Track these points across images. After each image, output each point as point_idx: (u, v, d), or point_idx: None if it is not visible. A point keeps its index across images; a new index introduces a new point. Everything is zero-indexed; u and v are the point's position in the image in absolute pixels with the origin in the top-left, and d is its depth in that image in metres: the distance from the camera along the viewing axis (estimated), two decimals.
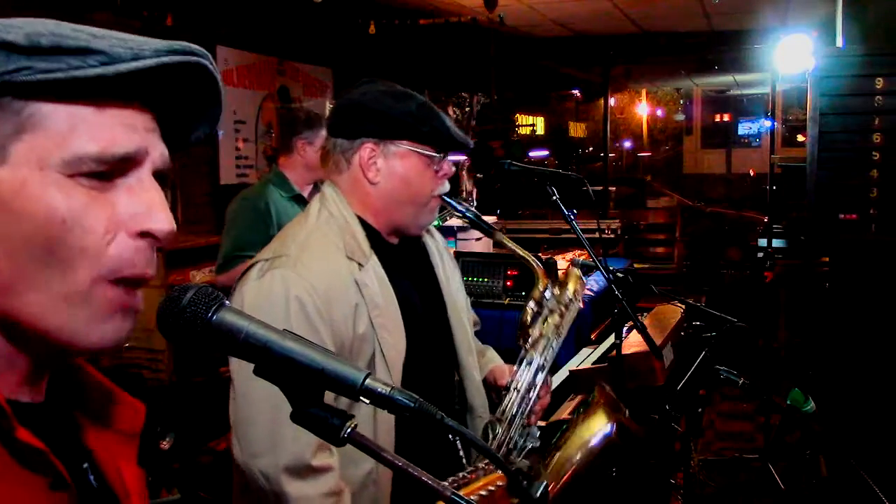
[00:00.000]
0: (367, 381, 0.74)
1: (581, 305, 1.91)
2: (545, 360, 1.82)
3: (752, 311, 6.31)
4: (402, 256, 1.75)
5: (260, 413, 1.50)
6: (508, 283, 3.64)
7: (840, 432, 3.53)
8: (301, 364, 0.74)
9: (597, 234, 3.48)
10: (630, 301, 2.24)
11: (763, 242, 6.02)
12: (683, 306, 2.77)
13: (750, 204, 10.04)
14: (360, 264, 1.62)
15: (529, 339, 1.83)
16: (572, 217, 2.29)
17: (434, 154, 1.68)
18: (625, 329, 2.31)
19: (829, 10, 4.75)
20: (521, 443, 1.74)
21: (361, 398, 0.75)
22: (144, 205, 0.72)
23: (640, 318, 2.31)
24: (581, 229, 2.27)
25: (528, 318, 1.87)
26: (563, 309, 1.86)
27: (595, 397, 1.94)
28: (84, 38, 0.69)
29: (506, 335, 3.48)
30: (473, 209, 1.97)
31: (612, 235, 6.76)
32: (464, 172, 7.40)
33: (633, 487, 2.30)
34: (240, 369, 1.54)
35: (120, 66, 0.69)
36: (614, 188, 10.22)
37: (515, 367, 1.84)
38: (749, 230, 8.28)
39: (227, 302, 0.76)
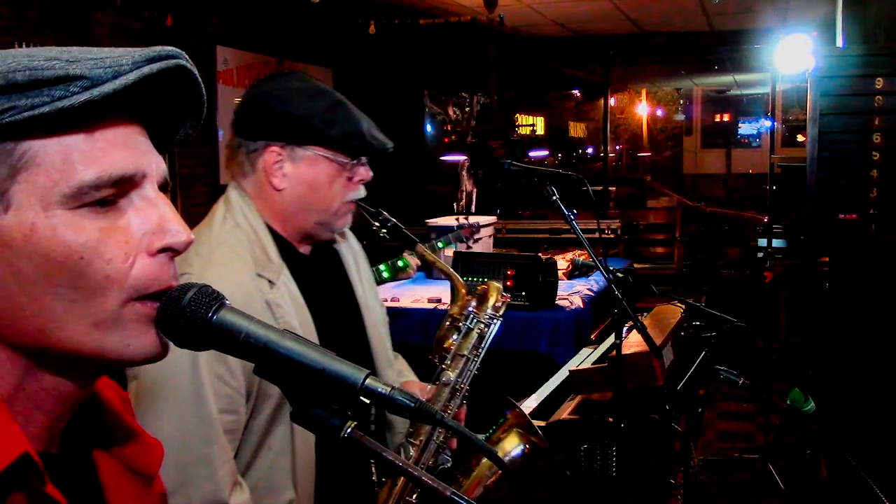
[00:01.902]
0: (368, 381, 0.74)
1: (499, 321, 1.81)
2: (463, 381, 1.71)
3: (752, 311, 6.31)
4: (315, 267, 1.63)
5: (168, 451, 1.38)
6: (508, 283, 3.64)
7: (840, 432, 3.53)
8: (301, 364, 0.74)
9: (597, 234, 3.47)
10: (630, 301, 2.24)
11: (763, 242, 6.02)
12: (683, 306, 2.77)
13: (750, 204, 10.04)
14: (270, 282, 1.49)
15: (447, 358, 1.72)
16: (572, 217, 2.29)
17: (345, 160, 1.55)
18: (625, 329, 2.31)
19: (829, 10, 4.75)
20: (434, 463, 1.64)
21: (362, 398, 0.75)
22: (156, 221, 0.73)
23: (640, 318, 2.31)
24: (581, 229, 2.27)
25: (445, 334, 1.77)
26: (482, 327, 1.76)
27: (507, 419, 1.87)
28: (60, 66, 0.67)
29: (505, 336, 3.48)
30: (394, 220, 1.90)
31: (612, 235, 6.76)
32: (464, 172, 7.40)
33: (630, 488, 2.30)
34: (140, 401, 1.35)
35: (104, 88, 0.67)
36: (614, 188, 10.22)
37: (430, 386, 1.73)
38: (749, 230, 8.28)
39: (228, 301, 0.76)
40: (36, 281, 0.68)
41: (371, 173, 1.63)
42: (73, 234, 0.68)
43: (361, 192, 1.62)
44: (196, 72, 0.77)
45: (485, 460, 1.74)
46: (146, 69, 0.70)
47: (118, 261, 0.70)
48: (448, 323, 1.80)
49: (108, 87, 0.67)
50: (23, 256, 0.67)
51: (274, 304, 1.48)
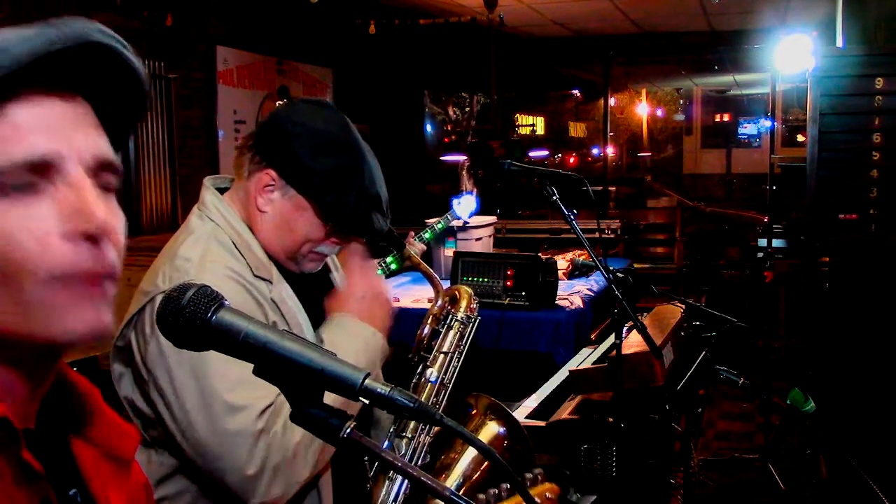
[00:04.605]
0: (367, 381, 0.74)
1: (478, 320, 1.86)
2: (448, 378, 1.74)
3: (752, 311, 6.31)
4: (300, 275, 1.59)
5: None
6: (508, 283, 3.63)
7: (840, 432, 3.53)
8: (300, 364, 0.74)
9: (597, 234, 3.47)
10: (630, 301, 2.24)
11: (763, 242, 6.02)
12: (683, 306, 2.77)
13: (750, 204, 10.04)
14: (268, 280, 1.48)
15: (430, 356, 1.76)
16: (572, 217, 2.29)
17: (327, 224, 1.52)
18: (625, 329, 2.31)
19: (829, 10, 4.76)
20: (416, 460, 1.65)
21: (361, 398, 0.75)
22: (72, 206, 0.70)
23: (640, 318, 2.31)
24: (581, 229, 2.27)
25: (425, 334, 1.81)
26: (462, 326, 1.82)
27: (473, 409, 1.88)
28: None
29: (505, 336, 3.49)
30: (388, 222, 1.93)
31: (612, 235, 6.75)
32: (464, 172, 7.40)
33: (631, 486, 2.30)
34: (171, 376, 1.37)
35: None
36: (614, 188, 10.22)
37: (415, 381, 1.74)
38: (749, 230, 8.28)
39: (227, 302, 0.76)
40: None
41: (351, 241, 1.61)
42: None
43: (336, 250, 1.60)
44: (115, 44, 0.73)
45: (464, 455, 1.77)
46: (38, 46, 0.68)
47: (31, 245, 0.68)
48: (428, 323, 1.84)
49: None
50: None
51: (280, 301, 1.48)
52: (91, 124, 0.74)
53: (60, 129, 0.71)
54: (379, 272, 3.16)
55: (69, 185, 0.70)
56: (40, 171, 0.69)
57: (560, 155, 12.46)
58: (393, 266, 3.13)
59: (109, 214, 0.72)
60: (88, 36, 0.71)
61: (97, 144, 0.73)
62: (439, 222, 3.64)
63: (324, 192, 1.48)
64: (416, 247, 3.44)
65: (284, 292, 1.51)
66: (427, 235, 3.58)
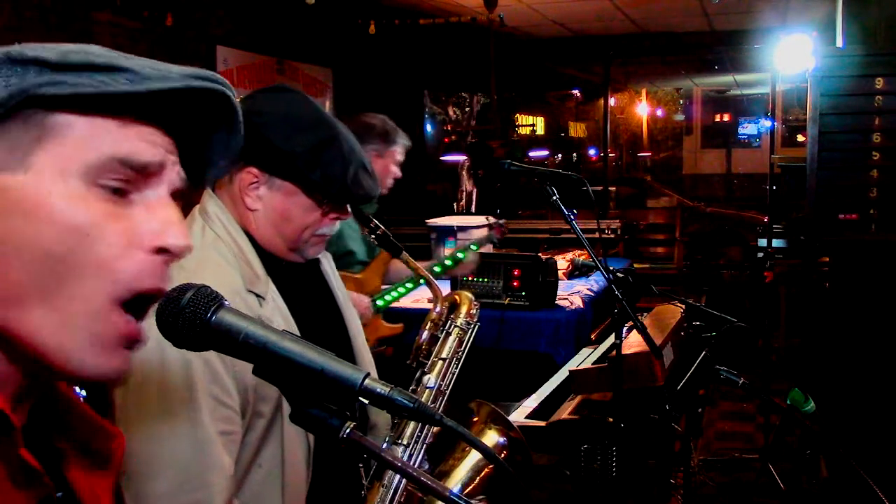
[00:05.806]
0: (367, 381, 0.75)
1: (477, 326, 1.85)
2: (445, 384, 1.72)
3: (752, 311, 6.31)
4: (296, 276, 1.59)
5: (164, 477, 1.30)
6: (508, 283, 3.64)
7: (840, 432, 3.53)
8: (300, 364, 0.74)
9: (597, 234, 3.47)
10: (630, 301, 2.23)
11: (763, 242, 6.02)
12: (683, 306, 2.77)
13: (750, 204, 10.05)
14: (260, 297, 1.47)
15: (428, 362, 1.75)
16: (572, 217, 2.29)
17: (322, 200, 1.51)
18: (625, 329, 2.31)
19: (829, 10, 4.76)
20: (413, 464, 1.61)
21: (361, 398, 0.75)
22: (162, 221, 0.72)
23: (640, 318, 2.31)
24: (581, 229, 2.27)
25: (424, 340, 1.81)
26: (460, 332, 1.80)
27: (475, 416, 1.86)
28: (114, 57, 0.70)
29: (505, 336, 3.49)
30: (383, 227, 1.95)
31: (612, 235, 6.77)
32: (464, 172, 7.41)
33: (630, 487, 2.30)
34: (131, 423, 1.29)
35: (150, 85, 0.69)
36: (614, 188, 10.22)
37: (412, 388, 1.72)
38: (749, 230, 8.28)
39: (227, 302, 0.76)
40: (32, 247, 0.67)
41: (350, 212, 1.60)
42: (84, 209, 0.68)
43: (335, 228, 1.58)
44: (238, 106, 0.78)
45: (463, 463, 1.75)
46: (193, 83, 0.72)
47: (116, 248, 0.70)
48: (427, 328, 1.84)
49: (153, 85, 0.69)
50: (27, 219, 0.66)
51: (267, 320, 1.45)
52: (177, 157, 0.77)
53: (164, 148, 0.74)
54: (402, 289, 3.14)
55: (159, 201, 0.73)
56: (143, 177, 0.72)
57: (560, 155, 12.46)
58: (448, 262, 3.15)
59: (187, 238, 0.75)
60: (225, 88, 0.76)
61: (183, 173, 0.77)
62: (474, 244, 3.51)
63: (309, 171, 1.47)
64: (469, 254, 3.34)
65: (276, 311, 1.49)
66: (474, 247, 3.43)
